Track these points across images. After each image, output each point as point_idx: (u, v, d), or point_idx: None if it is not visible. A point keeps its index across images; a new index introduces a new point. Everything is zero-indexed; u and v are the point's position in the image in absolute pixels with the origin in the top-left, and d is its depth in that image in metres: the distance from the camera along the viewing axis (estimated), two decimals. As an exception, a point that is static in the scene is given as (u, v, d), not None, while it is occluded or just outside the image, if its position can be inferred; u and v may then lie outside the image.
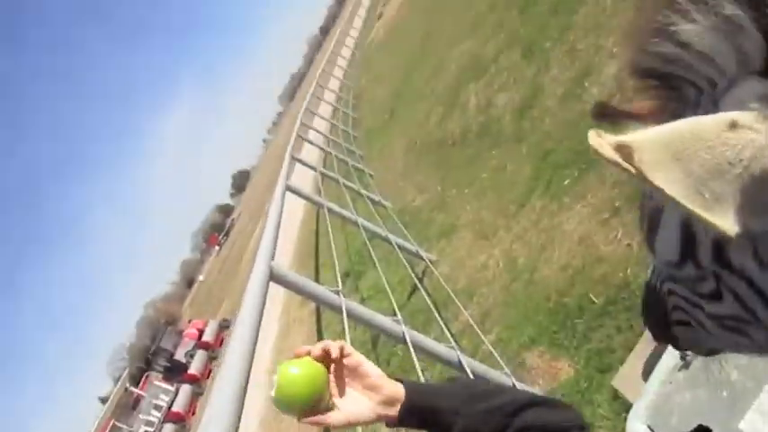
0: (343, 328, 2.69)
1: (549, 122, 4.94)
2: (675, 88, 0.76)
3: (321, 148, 11.11)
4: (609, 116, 1.13)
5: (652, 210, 0.80)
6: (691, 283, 0.83)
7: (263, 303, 2.41)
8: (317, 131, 12.82)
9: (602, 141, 0.60)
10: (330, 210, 5.59)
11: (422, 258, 5.34)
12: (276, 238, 3.24)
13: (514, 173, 5.07)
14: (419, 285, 4.77)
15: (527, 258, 4.14)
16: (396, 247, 5.20)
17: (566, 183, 4.19)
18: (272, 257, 2.74)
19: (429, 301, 4.28)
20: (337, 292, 2.67)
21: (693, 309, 0.87)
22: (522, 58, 6.36)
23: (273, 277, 2.53)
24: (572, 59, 5.16)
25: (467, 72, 7.96)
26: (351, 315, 2.70)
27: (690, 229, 0.75)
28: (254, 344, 2.05)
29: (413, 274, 5.03)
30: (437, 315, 3.87)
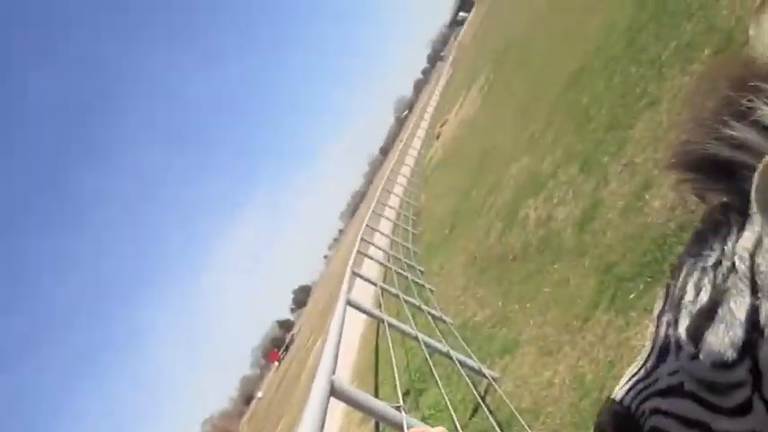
0: (405, 447, 2.62)
1: (611, 235, 4.90)
2: (736, 180, 0.76)
3: (381, 264, 11.23)
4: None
5: (708, 303, 0.79)
6: (718, 394, 0.79)
7: (324, 419, 2.39)
8: (378, 247, 13.02)
9: None
10: (390, 324, 5.57)
11: (484, 376, 5.21)
12: (337, 352, 3.25)
13: (577, 287, 4.99)
14: (482, 404, 4.63)
15: (595, 375, 3.99)
16: (457, 363, 5.10)
17: (631, 297, 4.09)
18: (333, 372, 2.74)
19: (492, 421, 4.15)
20: (398, 408, 2.63)
21: (689, 430, 0.82)
22: (579, 173, 6.42)
23: (334, 392, 2.52)
24: (631, 173, 5.18)
25: (525, 188, 8.05)
26: (412, 433, 2.64)
27: (757, 325, 0.74)
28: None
29: (475, 392, 4.90)
30: (502, 435, 3.72)
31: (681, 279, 0.84)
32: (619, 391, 0.95)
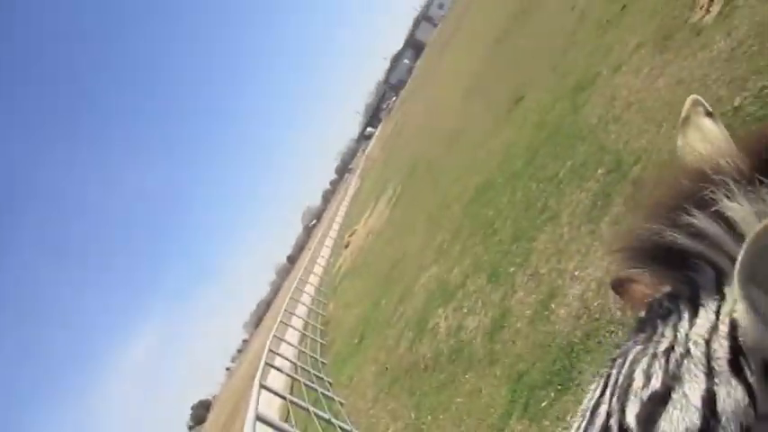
0: None
1: (521, 344, 5.00)
2: (691, 268, 0.79)
3: (289, 375, 10.87)
4: (623, 293, 1.16)
5: (661, 388, 0.77)
6: None
7: None
8: (285, 358, 12.63)
9: None
10: (301, 440, 5.34)
11: (398, 492, 5.02)
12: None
13: (490, 396, 5.00)
14: None
15: (511, 488, 3.94)
16: (371, 479, 4.90)
17: (543, 405, 4.14)
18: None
19: None
20: None
21: None
22: (487, 283, 6.60)
23: None
24: (537, 283, 5.39)
25: (435, 297, 8.17)
26: None
27: (714, 412, 0.74)
28: None
29: None
30: None
31: (626, 367, 0.82)
32: None
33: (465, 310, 6.77)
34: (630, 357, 0.83)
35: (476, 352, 5.83)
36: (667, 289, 0.85)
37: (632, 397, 0.80)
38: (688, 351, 0.77)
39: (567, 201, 5.77)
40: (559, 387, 4.05)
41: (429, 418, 5.99)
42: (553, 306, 4.82)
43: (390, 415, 7.10)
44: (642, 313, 0.88)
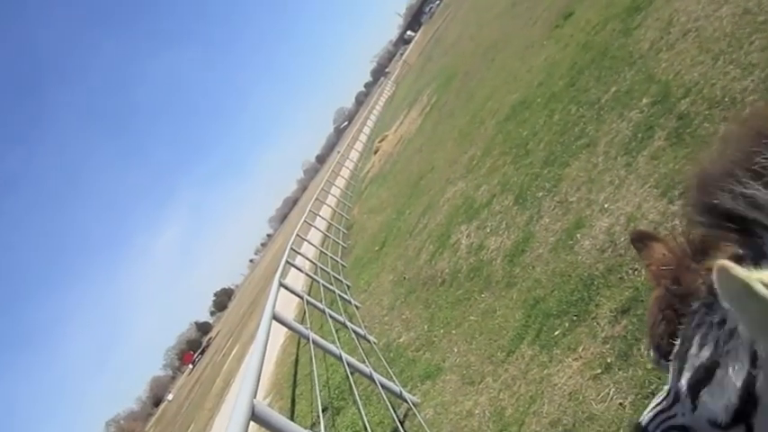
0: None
1: (540, 271, 4.97)
2: (750, 234, 0.75)
3: (308, 275, 11.09)
4: (642, 248, 1.13)
5: (708, 361, 0.77)
6: None
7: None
8: (306, 258, 12.86)
9: (749, 275, 0.61)
10: (314, 342, 5.47)
11: (404, 400, 5.18)
12: (260, 373, 3.14)
13: (504, 318, 5.04)
14: (400, 428, 4.58)
15: (515, 410, 4.01)
16: (379, 386, 5.05)
17: (556, 333, 4.15)
18: (255, 394, 2.64)
19: (410, 448, 4.11)
20: (319, 437, 2.55)
21: None
22: (514, 204, 6.52)
23: (255, 417, 2.42)
24: (564, 211, 5.30)
25: (459, 213, 8.13)
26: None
27: (753, 396, 0.72)
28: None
29: (394, 416, 4.85)
30: (419, 465, 3.68)
31: (691, 329, 0.83)
32: (646, 416, 0.97)
33: (488, 230, 6.73)
34: (695, 320, 0.82)
35: (494, 273, 5.84)
36: (737, 251, 0.80)
37: (688, 362, 0.81)
38: (736, 329, 0.74)
39: (606, 129, 5.57)
40: (574, 318, 4.04)
41: (441, 331, 6.09)
42: (578, 236, 4.75)
43: (404, 324, 7.24)
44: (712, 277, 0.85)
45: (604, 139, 5.47)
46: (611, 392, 3.25)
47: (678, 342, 0.86)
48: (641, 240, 1.10)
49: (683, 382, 0.80)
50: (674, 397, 0.87)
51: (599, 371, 3.47)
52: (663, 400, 0.94)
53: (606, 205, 4.64)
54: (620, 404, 3.14)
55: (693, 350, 0.80)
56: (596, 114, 6.02)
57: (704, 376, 0.77)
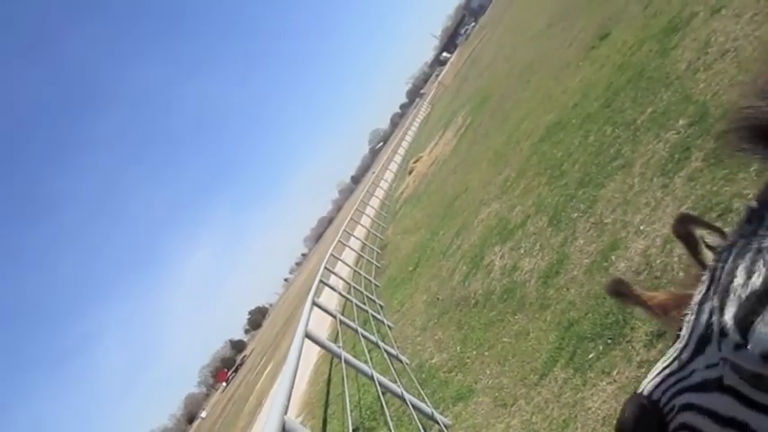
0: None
1: (575, 292, 4.92)
2: None
3: (342, 295, 11.13)
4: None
5: (763, 286, 0.71)
6: (763, 390, 0.72)
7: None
8: (340, 277, 12.92)
9: None
10: (346, 361, 5.48)
11: (436, 422, 5.14)
12: (291, 389, 3.16)
13: (537, 340, 4.98)
14: (432, 450, 4.55)
15: (547, 433, 3.96)
16: (410, 407, 5.02)
17: (590, 356, 4.09)
18: (286, 411, 2.66)
19: (441, 470, 4.08)
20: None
21: (724, 429, 0.77)
22: (548, 225, 6.47)
23: (285, 433, 2.44)
24: (599, 232, 5.24)
25: (493, 234, 8.09)
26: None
27: None
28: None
29: (426, 438, 4.82)
30: (449, 487, 3.65)
31: (730, 262, 0.76)
32: (647, 385, 0.88)
33: (522, 251, 6.69)
34: (735, 251, 0.77)
35: (528, 294, 5.79)
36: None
37: (732, 295, 0.74)
38: None
39: (643, 150, 5.51)
40: (609, 341, 3.98)
41: (474, 353, 6.04)
42: (613, 258, 4.69)
43: (436, 345, 7.20)
44: (752, 202, 0.80)
45: (640, 160, 5.41)
46: (647, 418, 3.19)
47: (710, 281, 0.81)
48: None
49: (728, 317, 0.73)
50: (697, 347, 0.81)
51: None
52: (672, 361, 0.87)
53: (642, 227, 4.58)
54: (656, 430, 3.08)
55: (738, 280, 0.73)
56: (632, 135, 5.97)
57: (759, 304, 0.70)
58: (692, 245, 0.96)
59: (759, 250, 0.73)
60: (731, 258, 0.76)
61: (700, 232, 0.95)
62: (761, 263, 0.71)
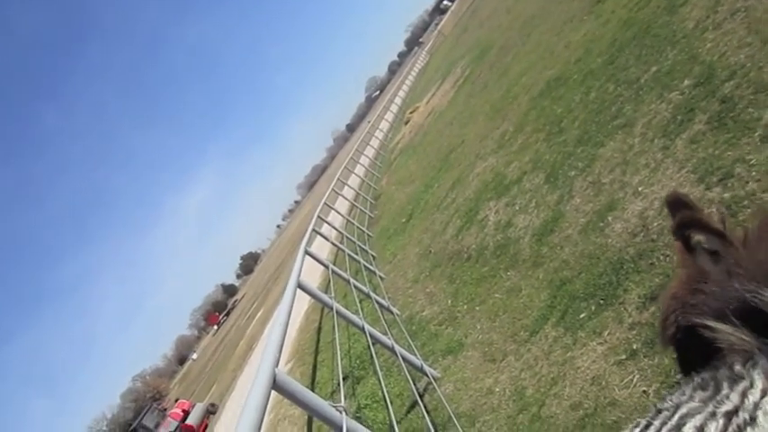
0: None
1: (569, 251, 4.90)
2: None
3: (334, 244, 11.13)
4: (682, 207, 1.03)
5: None
6: None
7: (264, 411, 2.30)
8: (332, 226, 12.90)
9: None
10: (338, 311, 5.50)
11: (425, 374, 5.19)
12: (283, 341, 3.15)
13: (529, 298, 4.99)
14: (420, 401, 4.60)
15: (535, 390, 4.00)
16: (400, 358, 5.06)
17: (581, 316, 4.10)
18: (277, 363, 2.65)
19: (428, 420, 4.12)
20: (339, 410, 2.56)
21: None
22: (545, 183, 6.42)
23: (276, 386, 2.43)
24: (596, 192, 5.20)
25: (488, 189, 8.04)
26: (350, 434, 2.58)
27: None
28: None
29: (414, 389, 4.87)
30: (437, 440, 3.69)
31: (675, 418, 0.74)
32: None
33: (517, 207, 6.65)
34: (683, 411, 0.74)
35: (521, 251, 5.78)
36: (746, 350, 0.75)
37: None
38: (754, 419, 0.68)
39: (645, 110, 5.42)
40: (601, 302, 3.99)
41: (465, 307, 6.07)
42: (609, 218, 4.66)
43: (428, 298, 7.23)
44: (702, 373, 0.78)
45: (642, 120, 5.33)
46: (636, 379, 3.21)
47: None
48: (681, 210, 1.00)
49: None
50: None
51: (624, 356, 3.42)
52: None
53: (640, 188, 4.54)
54: (644, 391, 3.10)
55: None
56: (635, 94, 5.87)
57: None
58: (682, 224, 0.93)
59: (713, 414, 0.71)
60: (676, 416, 0.74)
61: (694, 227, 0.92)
62: (713, 426, 0.70)
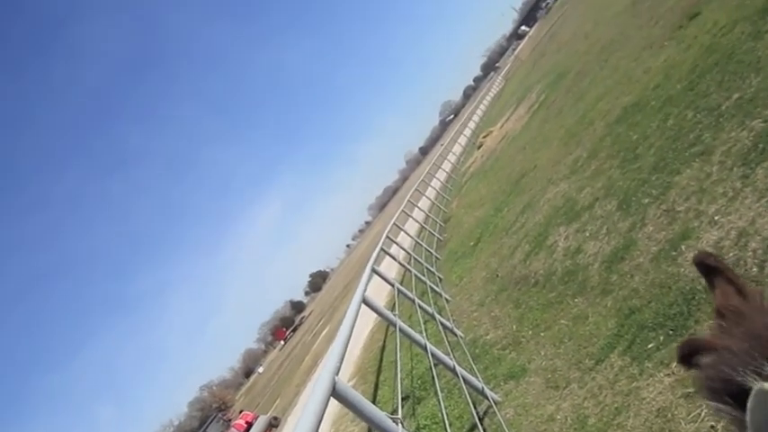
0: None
1: (639, 280, 4.78)
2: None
3: (402, 264, 11.19)
4: (709, 268, 1.00)
5: None
6: None
7: (322, 418, 2.36)
8: (401, 247, 12.98)
9: None
10: (401, 330, 5.53)
11: (486, 397, 5.14)
12: (344, 352, 3.21)
13: (596, 325, 4.89)
14: (479, 425, 4.57)
15: (598, 419, 3.90)
16: (461, 380, 5.04)
17: (649, 346, 3.99)
18: (337, 372, 2.71)
19: (487, 445, 4.09)
20: (397, 421, 2.59)
21: None
22: (617, 210, 6.29)
23: (335, 393, 2.49)
24: (670, 220, 5.06)
25: (559, 215, 7.93)
26: (405, 448, 2.60)
27: None
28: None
29: (474, 412, 4.84)
30: (494, 463, 3.66)
31: None
32: None
33: (587, 234, 6.54)
34: None
35: (590, 278, 5.67)
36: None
37: None
38: None
39: (725, 137, 5.25)
40: (671, 332, 3.87)
41: (530, 332, 5.99)
42: (683, 248, 4.52)
43: (492, 321, 7.17)
44: None
45: (721, 147, 5.16)
46: (703, 414, 3.10)
47: None
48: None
49: None
50: None
51: (692, 389, 3.30)
52: None
53: (717, 217, 4.39)
54: (712, 427, 2.99)
55: None
56: (715, 121, 5.70)
57: None
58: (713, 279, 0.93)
59: None
60: None
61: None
62: None
